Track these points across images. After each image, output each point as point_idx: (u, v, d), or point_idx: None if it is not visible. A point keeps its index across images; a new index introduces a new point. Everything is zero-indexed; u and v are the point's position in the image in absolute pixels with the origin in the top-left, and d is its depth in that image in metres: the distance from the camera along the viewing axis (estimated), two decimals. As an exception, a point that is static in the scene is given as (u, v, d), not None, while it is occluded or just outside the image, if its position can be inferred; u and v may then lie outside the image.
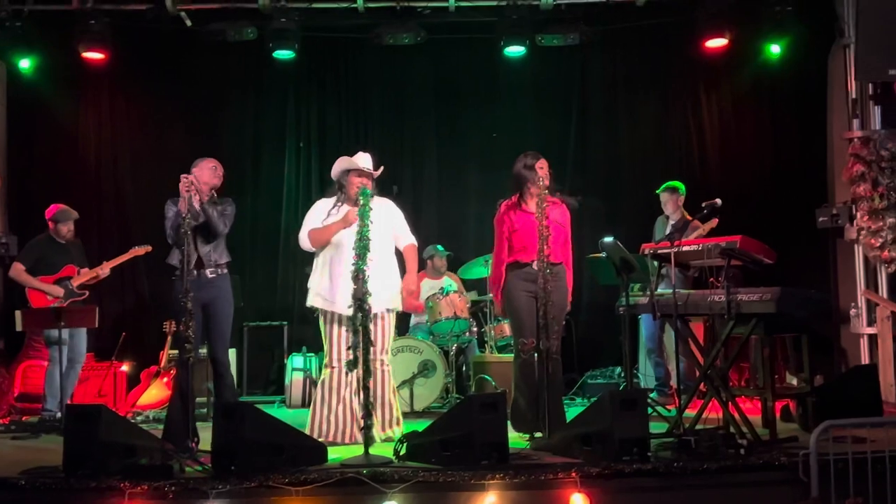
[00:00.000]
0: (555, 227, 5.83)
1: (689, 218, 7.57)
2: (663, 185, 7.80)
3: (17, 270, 7.22)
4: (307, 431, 5.82)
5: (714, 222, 6.95)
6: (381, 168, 6.08)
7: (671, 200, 7.72)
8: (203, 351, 6.21)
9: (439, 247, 8.63)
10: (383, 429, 5.91)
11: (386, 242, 5.98)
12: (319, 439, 5.70)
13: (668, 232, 7.57)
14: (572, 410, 6.65)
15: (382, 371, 5.97)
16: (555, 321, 5.70)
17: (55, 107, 8.90)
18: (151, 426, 6.58)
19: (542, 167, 5.97)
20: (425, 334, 7.98)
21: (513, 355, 7.07)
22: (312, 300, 6.04)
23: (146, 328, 8.68)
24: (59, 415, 6.88)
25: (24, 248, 7.55)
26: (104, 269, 7.35)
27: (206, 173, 6.02)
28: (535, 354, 5.70)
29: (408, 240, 6.19)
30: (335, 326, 5.94)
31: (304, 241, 6.07)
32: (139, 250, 7.44)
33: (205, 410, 7.29)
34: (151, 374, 7.85)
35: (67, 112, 9.01)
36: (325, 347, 6.03)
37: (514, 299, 6.03)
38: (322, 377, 6.04)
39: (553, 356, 5.71)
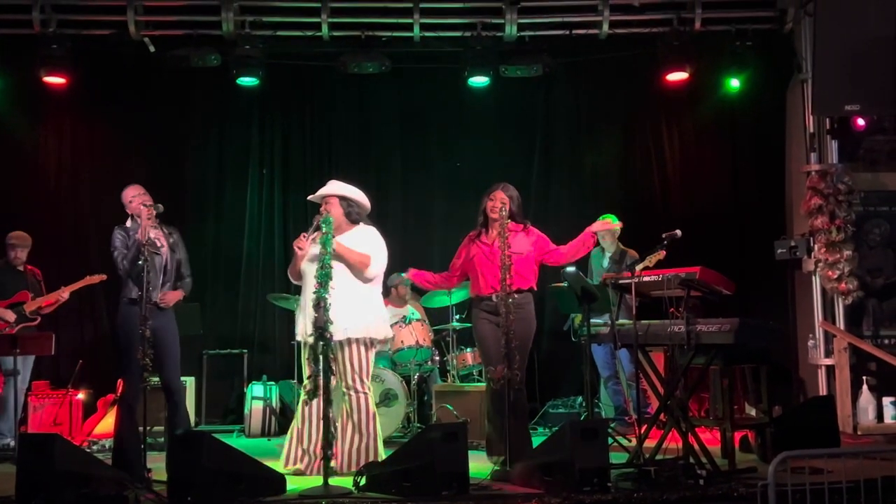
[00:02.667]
0: (517, 258, 5.86)
1: (624, 248, 7.69)
2: (607, 217, 7.85)
3: None
4: (282, 462, 5.72)
5: (661, 254, 6.93)
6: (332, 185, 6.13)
7: (609, 233, 7.77)
8: (156, 380, 6.14)
9: (403, 274, 8.59)
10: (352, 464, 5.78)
11: (351, 271, 5.91)
12: (294, 467, 5.64)
13: (606, 265, 7.68)
14: (534, 440, 6.64)
15: (358, 398, 5.84)
16: (516, 351, 5.70)
17: (15, 130, 8.79)
18: (107, 455, 6.46)
19: (492, 199, 6.04)
20: (387, 363, 7.94)
21: (476, 385, 7.12)
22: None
23: (103, 356, 8.54)
24: (12, 442, 6.78)
25: None
26: (63, 294, 7.29)
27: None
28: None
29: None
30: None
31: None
32: (94, 278, 7.36)
33: (162, 440, 7.18)
34: (108, 402, 7.74)
35: (27, 136, 8.90)
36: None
37: (478, 329, 6.13)
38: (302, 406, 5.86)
39: (515, 387, 5.71)
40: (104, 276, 7.33)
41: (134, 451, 5.49)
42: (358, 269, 5.88)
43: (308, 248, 5.86)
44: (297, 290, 6.31)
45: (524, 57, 8.59)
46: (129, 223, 5.94)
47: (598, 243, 7.92)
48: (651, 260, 6.90)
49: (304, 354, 5.75)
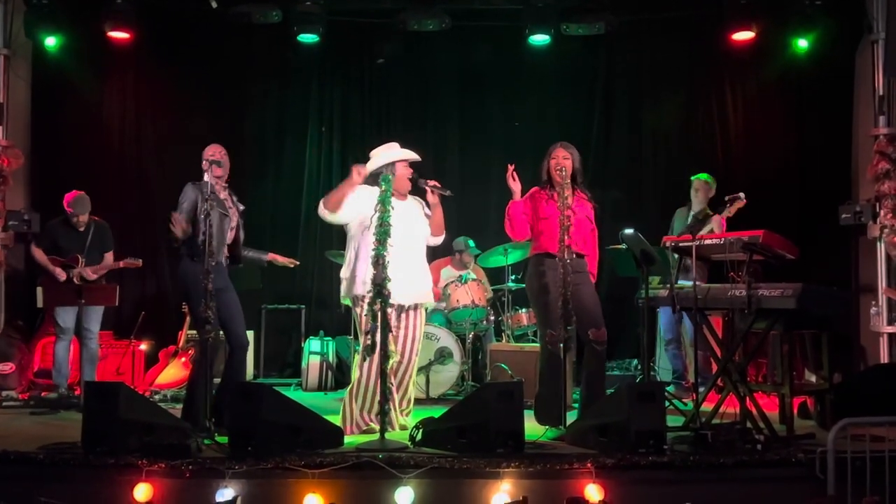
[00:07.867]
0: (582, 221, 5.83)
1: (709, 212, 7.51)
2: (703, 175, 7.66)
3: (37, 252, 7.31)
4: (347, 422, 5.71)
5: (742, 203, 6.58)
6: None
7: (703, 189, 7.54)
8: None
9: (471, 242, 8.45)
10: (400, 415, 5.89)
11: (423, 238, 5.95)
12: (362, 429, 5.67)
13: (689, 222, 7.52)
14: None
15: (412, 360, 5.95)
16: (595, 310, 5.77)
17: (80, 85, 8.89)
18: (169, 405, 6.61)
19: (554, 157, 5.91)
20: (443, 321, 7.98)
21: (531, 345, 7.05)
22: (365, 289, 5.49)
23: (165, 308, 8.72)
24: (64, 391, 7.08)
25: (42, 230, 7.63)
26: (90, 275, 7.25)
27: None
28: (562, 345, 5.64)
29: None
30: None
31: (321, 209, 5.82)
32: (133, 262, 7.48)
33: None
34: (170, 353, 7.92)
35: (92, 91, 9.01)
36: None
37: (548, 291, 5.74)
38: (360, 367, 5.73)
39: (598, 347, 5.75)
40: (139, 263, 7.53)
41: (204, 401, 5.53)
42: (439, 230, 6.04)
43: (364, 177, 5.74)
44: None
45: (586, 15, 8.45)
46: (203, 179, 5.91)
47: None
48: (731, 210, 6.70)
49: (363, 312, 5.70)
